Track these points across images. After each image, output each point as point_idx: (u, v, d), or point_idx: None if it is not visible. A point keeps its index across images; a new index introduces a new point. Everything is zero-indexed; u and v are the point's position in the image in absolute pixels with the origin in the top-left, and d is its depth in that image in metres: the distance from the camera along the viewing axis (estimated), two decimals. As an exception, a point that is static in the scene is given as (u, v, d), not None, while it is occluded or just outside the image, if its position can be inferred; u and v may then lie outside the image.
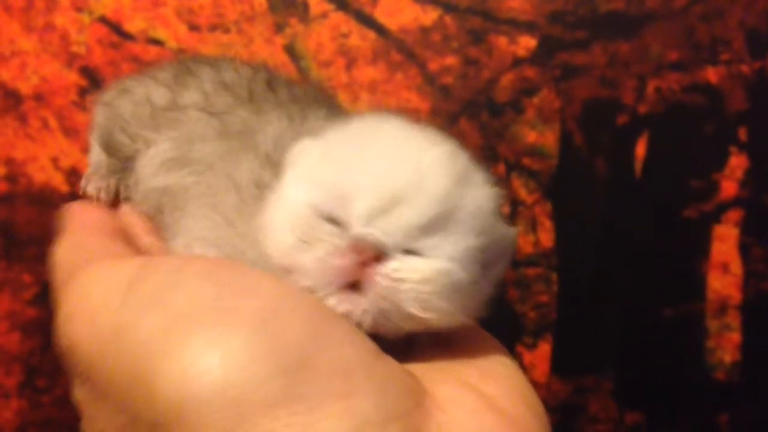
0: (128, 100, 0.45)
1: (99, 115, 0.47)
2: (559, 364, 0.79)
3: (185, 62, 0.46)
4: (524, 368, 0.79)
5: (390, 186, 0.31)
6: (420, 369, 0.31)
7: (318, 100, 0.43)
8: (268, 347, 0.27)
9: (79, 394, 0.31)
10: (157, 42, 0.77)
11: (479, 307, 0.33)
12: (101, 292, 0.31)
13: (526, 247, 0.78)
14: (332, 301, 0.31)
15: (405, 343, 0.32)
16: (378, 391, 0.27)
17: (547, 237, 0.78)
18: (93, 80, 0.77)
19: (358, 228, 0.31)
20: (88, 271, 0.32)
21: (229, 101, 0.41)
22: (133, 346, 0.28)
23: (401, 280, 0.31)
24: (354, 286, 0.31)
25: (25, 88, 0.78)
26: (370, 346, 0.29)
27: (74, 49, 0.77)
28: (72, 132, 0.78)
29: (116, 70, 0.77)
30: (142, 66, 0.77)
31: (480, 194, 0.33)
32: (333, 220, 0.32)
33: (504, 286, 0.78)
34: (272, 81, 0.43)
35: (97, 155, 0.47)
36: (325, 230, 0.31)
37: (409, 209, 0.31)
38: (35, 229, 0.79)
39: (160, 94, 0.43)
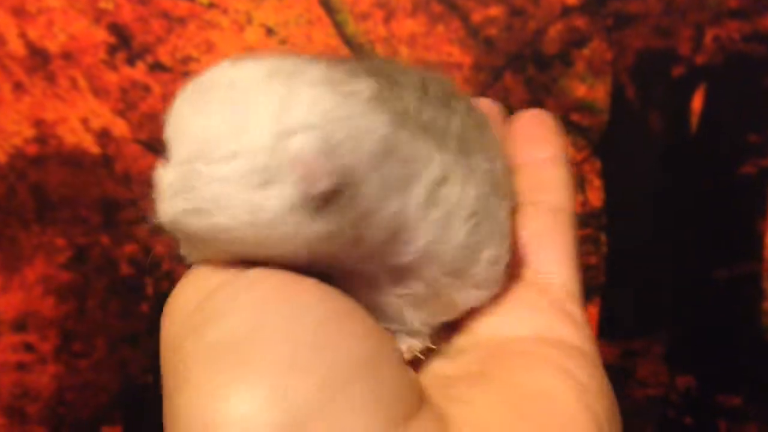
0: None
1: None
2: (607, 328, 0.77)
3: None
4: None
5: None
6: None
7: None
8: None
9: None
10: (187, -4, 0.75)
11: (265, 226, 0.30)
12: (184, 298, 0.30)
13: (575, 207, 0.76)
14: None
15: None
16: None
17: (596, 196, 0.76)
18: (122, 38, 0.76)
19: None
20: (192, 272, 0.31)
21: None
22: (178, 362, 0.28)
23: None
24: None
25: (52, 46, 0.76)
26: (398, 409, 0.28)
27: (102, 5, 0.75)
28: (102, 92, 0.76)
29: (145, 27, 0.75)
30: (172, 23, 0.75)
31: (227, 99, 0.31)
32: None
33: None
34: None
35: None
36: None
37: None
38: (67, 191, 0.78)
39: None
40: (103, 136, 0.77)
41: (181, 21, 0.75)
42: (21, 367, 0.80)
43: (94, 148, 0.77)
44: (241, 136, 0.29)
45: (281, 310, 0.28)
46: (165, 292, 0.79)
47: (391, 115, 0.31)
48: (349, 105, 0.30)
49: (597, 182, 0.76)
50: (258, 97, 0.29)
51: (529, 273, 0.36)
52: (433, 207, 0.32)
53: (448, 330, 0.35)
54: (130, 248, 0.78)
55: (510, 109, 0.75)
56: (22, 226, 0.79)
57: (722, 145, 0.74)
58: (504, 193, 0.36)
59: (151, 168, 0.81)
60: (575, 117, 0.75)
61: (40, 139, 0.77)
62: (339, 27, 0.74)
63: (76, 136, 0.77)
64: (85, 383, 0.80)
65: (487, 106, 0.42)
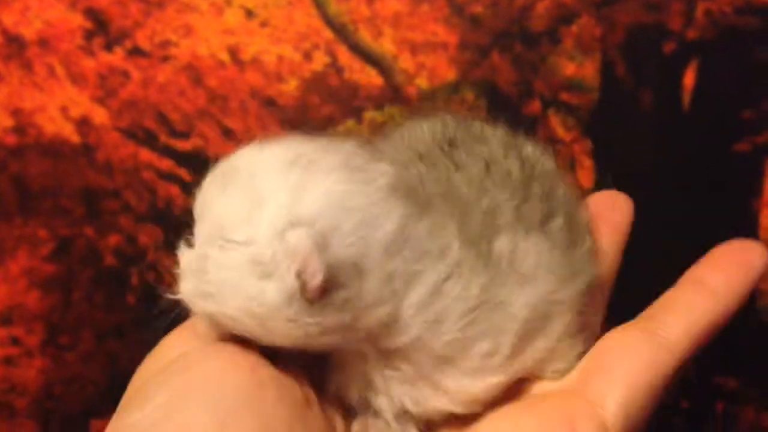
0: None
1: None
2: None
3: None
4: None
5: None
6: None
7: None
8: None
9: None
10: (164, -21, 0.74)
11: (263, 316, 0.31)
12: (143, 370, 0.33)
13: (565, 188, 0.75)
14: None
15: None
16: None
17: (586, 177, 0.74)
18: (99, 23, 0.74)
19: None
20: (163, 341, 0.34)
21: None
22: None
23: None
24: None
25: (28, 33, 0.74)
26: None
27: (78, -11, 0.74)
28: (80, 79, 0.75)
29: (123, 11, 0.74)
30: (150, 6, 0.74)
31: (237, 193, 0.33)
32: None
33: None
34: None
35: None
36: None
37: None
38: (49, 181, 0.77)
39: None
40: (83, 124, 0.75)
41: (159, 4, 0.74)
42: (8, 361, 0.79)
43: (74, 137, 0.76)
44: (251, 226, 0.30)
45: (194, 402, 0.29)
46: (151, 284, 0.78)
47: (407, 206, 0.31)
48: (362, 194, 0.30)
49: (587, 162, 0.74)
50: (273, 187, 0.30)
51: (580, 385, 0.34)
52: (432, 304, 0.32)
53: (461, 424, 0.35)
54: (114, 239, 0.77)
55: (498, 89, 0.74)
56: (3, 219, 0.78)
57: (716, 122, 0.73)
58: (528, 276, 0.35)
59: (132, 157, 0.79)
60: (564, 96, 0.73)
61: (19, 129, 0.76)
62: (320, 7, 0.73)
63: (55, 125, 0.76)
64: (72, 376, 0.79)
65: (607, 201, 0.40)
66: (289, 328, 0.30)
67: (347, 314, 0.30)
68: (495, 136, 0.39)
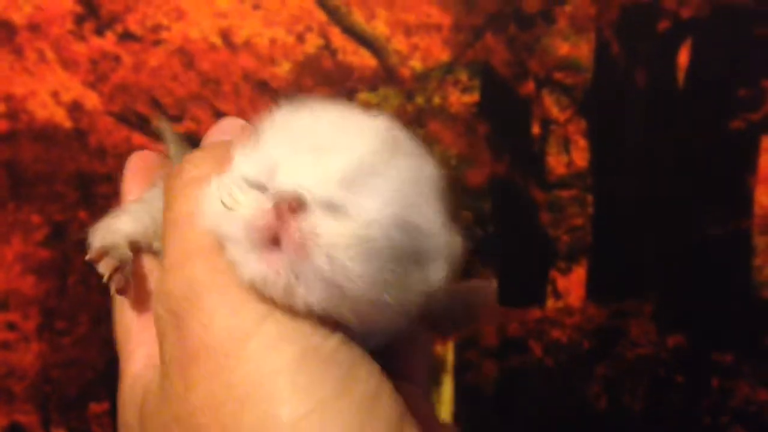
0: None
1: None
2: (595, 289, 0.76)
3: None
4: (558, 294, 0.76)
5: (312, 141, 0.31)
6: None
7: None
8: None
9: None
10: (154, -38, 0.73)
11: (406, 303, 0.31)
12: (225, 331, 0.30)
13: (559, 168, 0.74)
14: (249, 264, 0.30)
15: None
16: None
17: (581, 156, 0.74)
18: (89, 7, 0.73)
19: (279, 184, 0.30)
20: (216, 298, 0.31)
21: None
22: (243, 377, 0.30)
23: (317, 235, 0.29)
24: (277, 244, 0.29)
25: (18, 18, 0.74)
26: None
27: (67, -27, 0.73)
28: (71, 63, 0.74)
29: (113, -5, 0.73)
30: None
31: (416, 166, 0.32)
32: (261, 187, 0.30)
33: (536, 209, 0.76)
34: None
35: None
36: (250, 196, 0.30)
37: (329, 161, 0.30)
38: (41, 167, 0.76)
39: None
40: (75, 109, 0.75)
41: (149, -11, 0.73)
42: (5, 346, 0.79)
43: (67, 122, 0.75)
44: (428, 213, 0.31)
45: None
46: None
47: None
48: None
49: (582, 142, 0.74)
50: (427, 175, 0.32)
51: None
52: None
53: None
54: (108, 223, 0.77)
55: (492, 69, 0.73)
56: (-4, 204, 0.77)
57: (710, 100, 0.73)
58: None
59: (125, 141, 0.78)
60: (558, 76, 0.73)
61: (11, 115, 0.75)
62: (313, -9, 0.72)
63: (47, 110, 0.75)
64: (69, 360, 0.79)
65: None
66: (410, 310, 0.31)
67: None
68: None
